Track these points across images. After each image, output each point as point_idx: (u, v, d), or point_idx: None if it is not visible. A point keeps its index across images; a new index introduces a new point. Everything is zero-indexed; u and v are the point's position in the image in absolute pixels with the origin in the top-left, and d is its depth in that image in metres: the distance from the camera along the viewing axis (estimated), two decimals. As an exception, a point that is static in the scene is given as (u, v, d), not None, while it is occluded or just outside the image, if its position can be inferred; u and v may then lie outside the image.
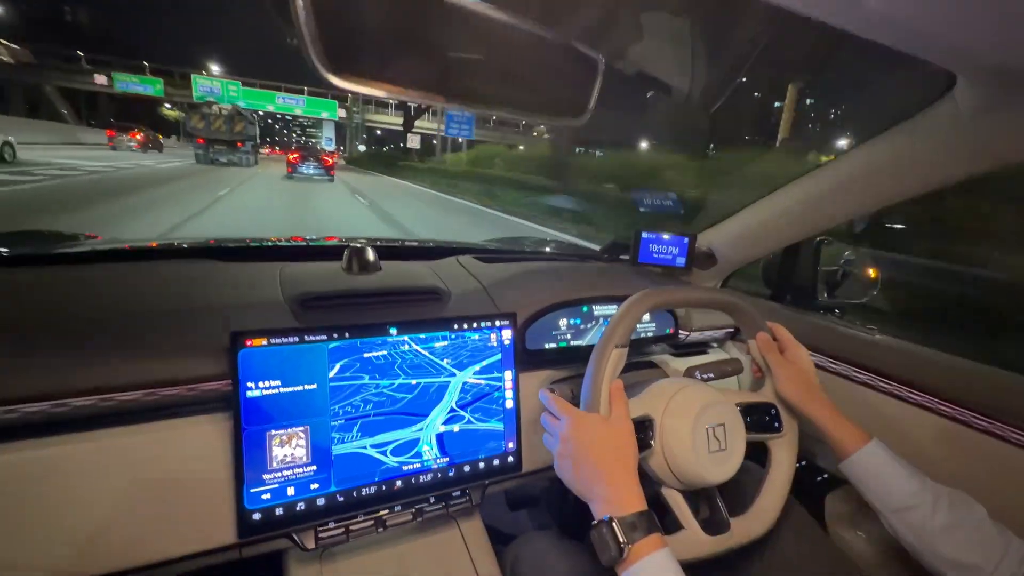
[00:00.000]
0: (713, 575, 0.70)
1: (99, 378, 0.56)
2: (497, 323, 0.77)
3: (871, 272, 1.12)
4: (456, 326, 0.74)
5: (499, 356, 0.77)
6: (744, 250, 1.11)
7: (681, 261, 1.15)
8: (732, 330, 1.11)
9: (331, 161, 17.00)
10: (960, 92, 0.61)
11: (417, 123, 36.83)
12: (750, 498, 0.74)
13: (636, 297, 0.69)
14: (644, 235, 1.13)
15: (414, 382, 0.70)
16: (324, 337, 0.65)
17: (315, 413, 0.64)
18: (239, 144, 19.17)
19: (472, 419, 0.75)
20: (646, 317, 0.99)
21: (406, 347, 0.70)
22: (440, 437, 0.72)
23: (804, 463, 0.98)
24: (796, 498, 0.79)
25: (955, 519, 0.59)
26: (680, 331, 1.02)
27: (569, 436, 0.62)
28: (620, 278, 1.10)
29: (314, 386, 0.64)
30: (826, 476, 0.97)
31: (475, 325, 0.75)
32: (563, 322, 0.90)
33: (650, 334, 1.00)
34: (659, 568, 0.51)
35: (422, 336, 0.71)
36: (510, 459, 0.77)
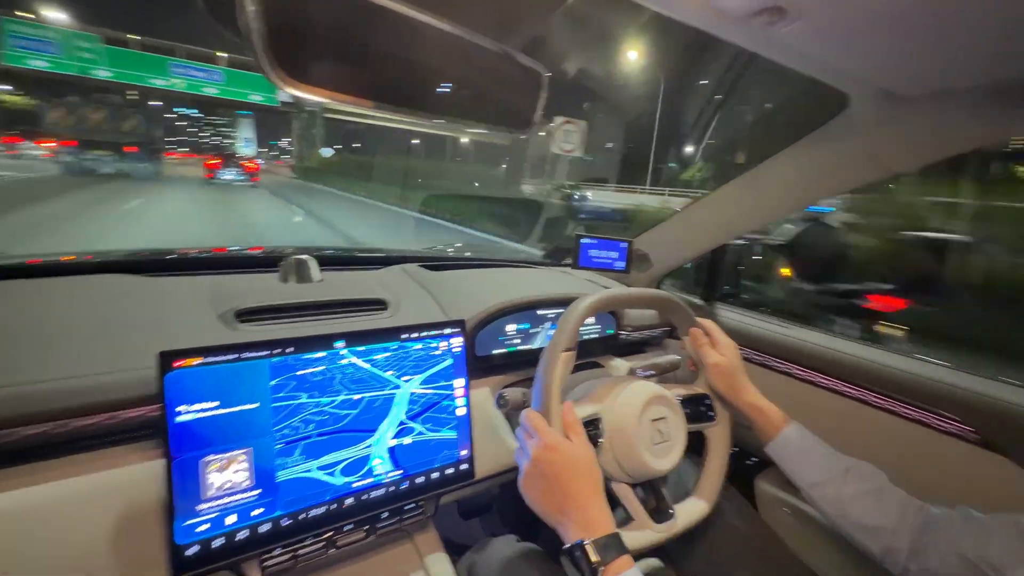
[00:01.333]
0: (655, 558, 0.74)
1: None
2: (446, 331, 0.77)
3: (783, 271, 1.25)
4: (404, 336, 0.73)
5: (449, 363, 0.77)
6: (676, 253, 1.19)
7: (620, 264, 1.21)
8: (668, 328, 1.18)
9: (253, 166, 15.69)
10: (852, 111, 0.70)
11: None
12: (690, 484, 0.79)
13: (580, 301, 0.72)
14: (584, 240, 1.17)
15: (357, 397, 0.68)
16: (265, 353, 0.61)
17: (257, 434, 0.60)
18: (128, 148, 13.39)
19: (424, 430, 0.74)
20: (590, 320, 1.03)
21: (346, 361, 0.67)
22: (392, 451, 0.71)
23: (737, 449, 1.06)
24: (729, 482, 0.85)
25: (863, 488, 0.66)
26: (621, 332, 1.07)
27: (541, 458, 0.60)
28: (564, 281, 1.14)
29: (255, 405, 0.60)
30: (755, 460, 1.05)
31: (424, 334, 0.75)
32: (511, 327, 0.91)
33: (594, 336, 1.04)
34: None
35: (362, 348, 0.69)
36: (464, 467, 0.77)
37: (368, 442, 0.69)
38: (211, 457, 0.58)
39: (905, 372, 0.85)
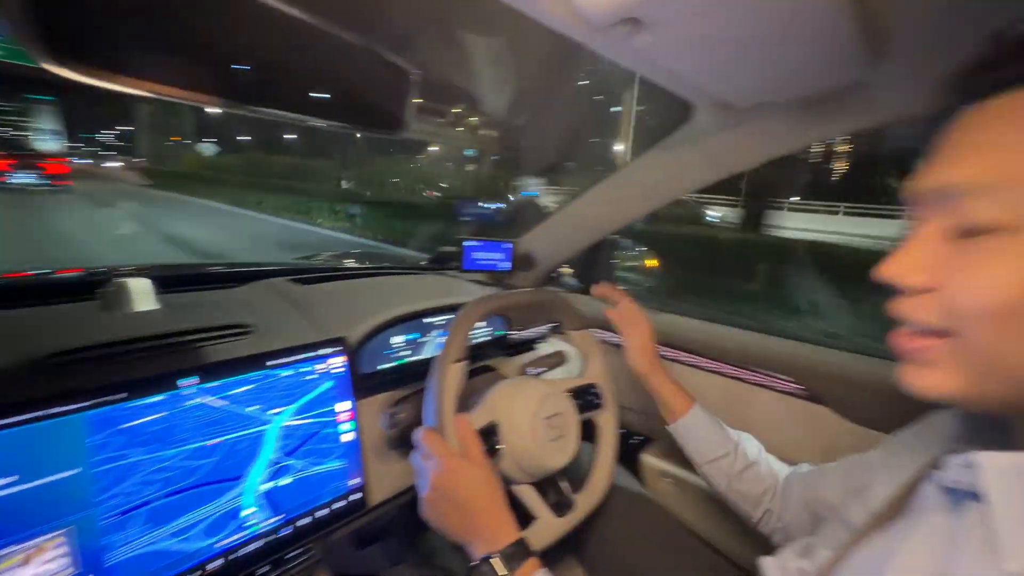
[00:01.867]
0: (557, 547, 0.76)
1: None
2: (324, 351, 0.70)
3: (650, 262, 1.38)
4: (271, 363, 0.64)
5: (329, 387, 0.70)
6: (558, 251, 1.23)
7: (506, 266, 1.22)
8: (555, 324, 1.23)
9: (58, 167, 12.46)
10: (696, 119, 0.78)
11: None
12: (584, 471, 0.82)
13: (466, 309, 0.70)
14: (467, 243, 1.16)
15: (213, 443, 0.58)
16: (78, 405, 0.49)
17: (77, 509, 0.48)
18: None
19: (304, 465, 0.66)
20: (481, 324, 1.02)
21: (195, 403, 0.57)
22: (267, 496, 0.62)
23: (623, 431, 1.14)
24: (618, 461, 0.91)
25: (748, 461, 0.74)
26: (511, 332, 1.08)
27: (441, 482, 0.58)
28: (451, 286, 1.11)
29: (72, 472, 0.48)
30: (639, 439, 1.14)
31: (296, 357, 0.66)
32: (398, 339, 0.86)
33: (485, 339, 1.03)
34: None
35: (215, 384, 0.59)
36: (355, 497, 0.71)
37: (235, 492, 0.59)
38: (12, 548, 0.44)
39: (751, 344, 0.99)
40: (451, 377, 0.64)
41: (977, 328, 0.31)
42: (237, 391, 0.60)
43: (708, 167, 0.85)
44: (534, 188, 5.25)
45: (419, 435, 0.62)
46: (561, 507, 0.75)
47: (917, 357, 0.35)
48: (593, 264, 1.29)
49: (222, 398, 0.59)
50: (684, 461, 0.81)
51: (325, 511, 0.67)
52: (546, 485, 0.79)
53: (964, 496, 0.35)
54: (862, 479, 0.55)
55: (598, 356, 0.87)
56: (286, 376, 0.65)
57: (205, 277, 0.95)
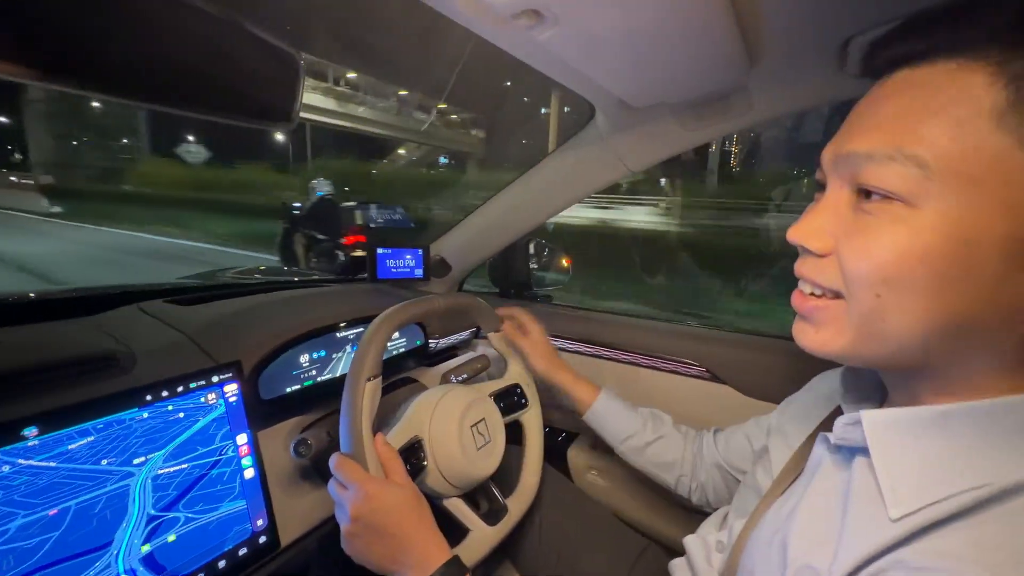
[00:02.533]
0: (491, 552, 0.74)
1: None
2: (214, 378, 0.61)
3: (564, 261, 1.41)
4: (150, 397, 0.54)
5: (218, 419, 0.61)
6: (472, 255, 1.22)
7: (419, 272, 1.18)
8: (475, 328, 1.21)
9: None
10: (598, 119, 0.81)
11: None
12: (513, 473, 0.81)
13: (377, 321, 0.66)
14: (379, 251, 1.10)
15: (56, 511, 0.47)
16: None
17: None
18: None
19: (192, 515, 0.57)
20: (395, 335, 0.97)
21: (23, 463, 0.46)
22: (149, 559, 0.52)
23: (548, 428, 1.15)
24: (545, 459, 0.91)
25: (657, 433, 0.78)
26: (430, 340, 1.04)
27: (363, 513, 0.53)
28: (362, 297, 1.04)
29: None
30: (565, 434, 1.16)
31: (178, 390, 0.57)
32: (304, 358, 0.78)
33: (402, 350, 0.98)
34: None
35: (48, 439, 0.48)
36: (263, 539, 0.62)
37: (103, 563, 0.49)
38: None
39: (659, 334, 1.05)
40: (366, 396, 0.59)
41: (862, 292, 0.33)
42: (78, 444, 0.49)
43: (610, 167, 0.89)
44: (324, 187, 4.83)
45: (334, 463, 0.57)
46: (493, 515, 0.73)
47: (810, 316, 0.38)
48: (510, 267, 1.29)
49: (57, 456, 0.48)
50: (609, 451, 0.83)
51: (225, 562, 0.58)
52: (476, 494, 0.77)
53: (852, 452, 0.39)
54: (763, 442, 0.60)
55: (519, 356, 0.87)
56: (148, 418, 0.54)
57: (56, 304, 0.79)
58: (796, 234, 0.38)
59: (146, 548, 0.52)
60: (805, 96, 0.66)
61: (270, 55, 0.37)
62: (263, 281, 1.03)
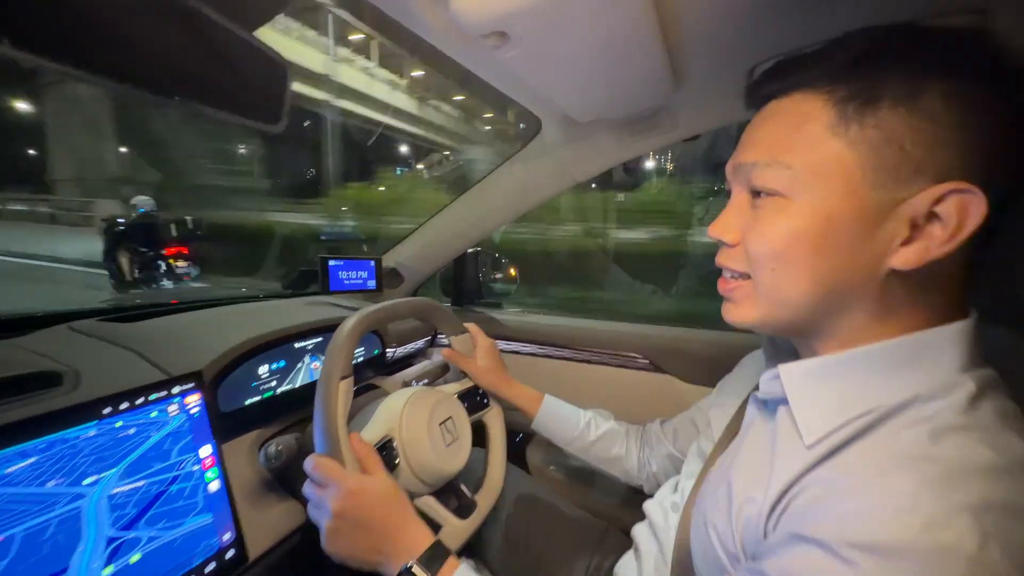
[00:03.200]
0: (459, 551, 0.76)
1: None
2: (175, 389, 0.59)
3: (512, 271, 1.47)
4: (108, 409, 0.52)
5: (174, 432, 0.59)
6: (424, 265, 1.24)
7: (371, 284, 1.18)
8: (429, 338, 1.23)
9: None
10: (545, 133, 0.88)
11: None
12: (478, 473, 0.84)
13: (348, 323, 0.67)
14: (331, 262, 1.10)
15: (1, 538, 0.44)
16: None
17: None
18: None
19: (155, 534, 0.54)
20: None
21: None
22: (111, 579, 0.49)
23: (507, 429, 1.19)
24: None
25: (600, 432, 0.84)
26: (388, 349, 1.05)
27: (345, 509, 0.54)
28: (315, 309, 1.03)
29: None
30: (522, 435, 1.20)
31: (123, 407, 0.55)
32: (263, 368, 0.77)
33: (361, 359, 0.98)
34: None
35: None
36: (231, 554, 0.60)
37: (61, 585, 0.46)
38: None
39: (603, 331, 1.13)
40: (340, 395, 0.60)
41: (762, 269, 0.42)
42: (18, 466, 0.46)
43: (556, 177, 0.96)
44: (146, 204, 5.08)
45: (310, 464, 0.57)
46: (463, 510, 0.75)
47: (730, 296, 0.47)
48: (461, 277, 1.33)
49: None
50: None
51: (194, 579, 0.56)
52: (446, 492, 0.79)
53: (775, 404, 0.47)
54: (705, 419, 0.68)
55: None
56: (96, 436, 0.52)
57: None
58: (713, 231, 0.47)
59: (108, 571, 0.49)
60: (720, 116, 0.77)
61: (262, 57, 0.39)
62: (208, 298, 0.99)
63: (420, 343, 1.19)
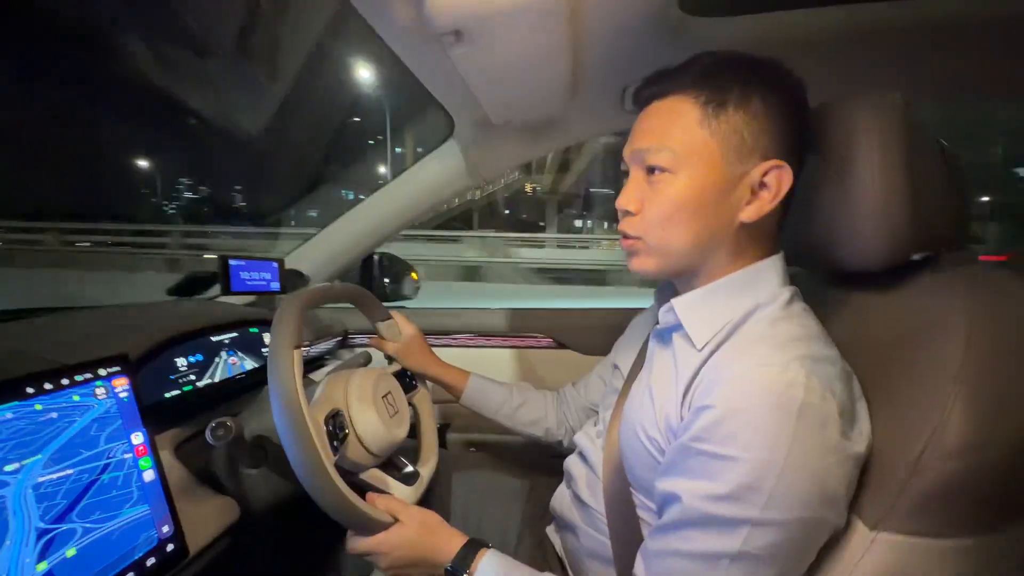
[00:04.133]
0: None
1: None
2: (101, 372, 0.54)
3: (414, 275, 1.52)
4: (31, 390, 0.47)
5: (100, 417, 0.54)
6: (328, 267, 1.23)
7: (275, 286, 1.14)
8: (340, 338, 1.21)
9: None
10: (457, 134, 0.99)
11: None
12: (411, 448, 0.88)
13: (289, 297, 0.68)
14: (232, 262, 1.03)
15: None
16: None
17: None
18: None
19: (90, 525, 0.49)
20: (263, 350, 0.93)
21: None
22: None
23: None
24: None
25: (522, 399, 0.94)
26: (302, 348, 1.02)
27: (394, 561, 0.62)
28: (213, 308, 0.97)
29: None
30: (440, 424, 1.25)
31: (63, 383, 0.50)
32: (181, 362, 0.72)
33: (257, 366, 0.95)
34: (491, 567, 0.60)
35: None
36: (171, 547, 0.56)
37: (-8, 579, 0.40)
38: None
39: (512, 318, 1.25)
40: (297, 361, 0.61)
41: (656, 229, 0.57)
42: None
43: (465, 176, 1.07)
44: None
45: (353, 545, 0.63)
46: (409, 478, 0.79)
47: (633, 251, 0.61)
48: (368, 279, 1.34)
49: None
50: (480, 428, 0.96)
51: (135, 572, 0.51)
52: (387, 466, 0.81)
53: (670, 332, 0.63)
54: (609, 370, 0.83)
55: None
56: (13, 419, 0.46)
57: None
58: (620, 202, 0.61)
59: (43, 567, 0.44)
60: (598, 126, 0.97)
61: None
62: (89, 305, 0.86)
63: (331, 343, 1.17)
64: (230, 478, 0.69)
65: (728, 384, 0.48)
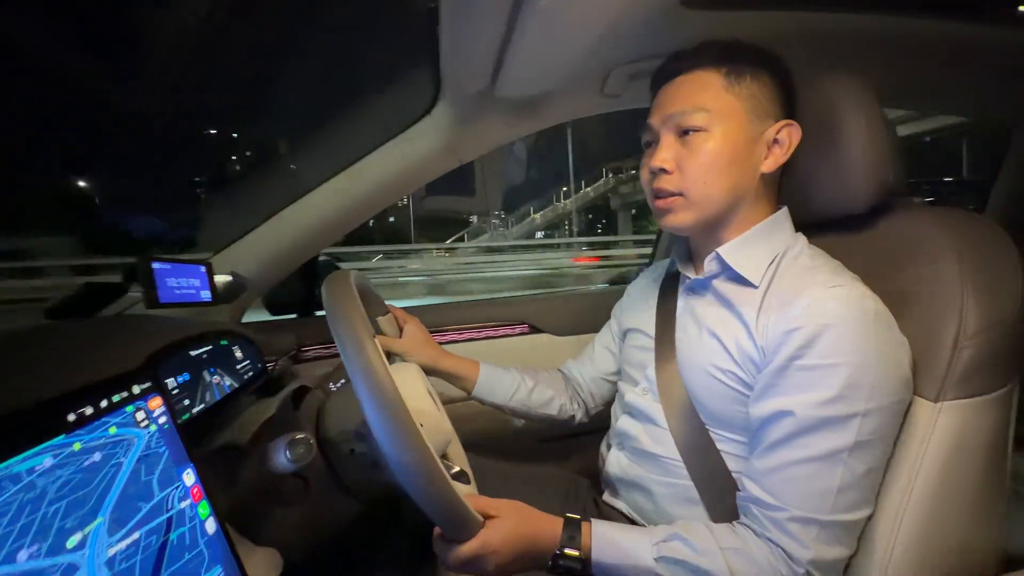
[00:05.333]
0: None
1: None
2: (135, 390, 0.38)
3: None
4: (72, 417, 0.31)
5: (144, 455, 0.38)
6: (270, 270, 1.03)
7: (206, 295, 0.90)
8: (293, 352, 1.03)
9: None
10: (439, 109, 0.93)
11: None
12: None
13: (337, 275, 0.57)
14: (156, 265, 0.79)
15: None
16: None
17: None
18: None
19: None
20: (239, 355, 0.75)
21: None
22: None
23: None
24: None
25: (534, 380, 0.92)
26: (268, 364, 0.84)
27: (498, 561, 0.55)
28: (145, 324, 0.73)
29: None
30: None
31: (102, 406, 0.34)
32: (171, 382, 0.53)
33: (249, 374, 0.76)
34: (605, 535, 0.58)
35: None
36: (256, 614, 0.42)
37: None
38: None
39: (491, 309, 1.22)
40: (385, 361, 0.49)
41: (697, 183, 0.64)
42: None
43: (442, 157, 1.00)
44: None
45: (456, 555, 0.54)
46: (459, 477, 0.72)
47: (670, 208, 0.66)
48: (313, 285, 1.15)
49: None
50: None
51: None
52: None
53: (706, 283, 0.70)
54: (619, 333, 0.88)
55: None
56: (53, 467, 0.30)
57: None
58: (656, 161, 0.66)
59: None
60: (580, 107, 1.00)
61: None
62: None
63: (284, 359, 0.98)
64: (264, 520, 0.54)
65: (810, 307, 0.56)
